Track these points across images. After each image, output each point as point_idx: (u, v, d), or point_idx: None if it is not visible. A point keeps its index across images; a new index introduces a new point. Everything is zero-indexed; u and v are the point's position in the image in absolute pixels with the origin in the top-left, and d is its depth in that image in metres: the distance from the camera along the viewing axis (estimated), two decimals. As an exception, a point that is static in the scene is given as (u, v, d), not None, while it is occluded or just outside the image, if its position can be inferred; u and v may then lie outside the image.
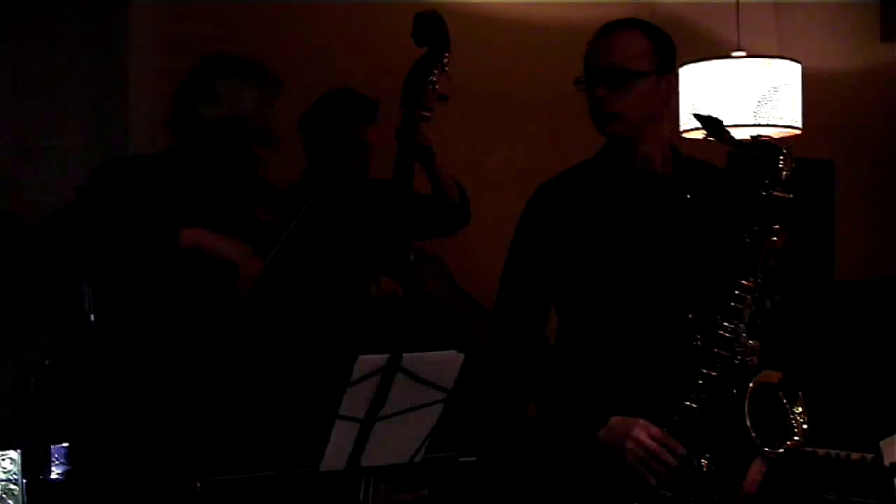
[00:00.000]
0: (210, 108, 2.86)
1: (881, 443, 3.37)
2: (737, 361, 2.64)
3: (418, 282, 3.71)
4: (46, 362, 3.75)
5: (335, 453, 2.68)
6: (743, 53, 4.49)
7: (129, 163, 3.01)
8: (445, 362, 2.75)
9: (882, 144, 5.88)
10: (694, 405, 2.64)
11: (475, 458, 3.34)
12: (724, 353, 2.64)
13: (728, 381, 2.64)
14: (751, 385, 2.61)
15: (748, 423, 2.60)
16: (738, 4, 4.73)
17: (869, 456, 3.41)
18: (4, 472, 2.42)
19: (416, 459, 2.83)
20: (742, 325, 2.65)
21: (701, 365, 2.64)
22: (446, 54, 3.31)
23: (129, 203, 2.85)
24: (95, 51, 4.07)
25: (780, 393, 2.64)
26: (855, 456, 3.44)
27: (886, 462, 3.35)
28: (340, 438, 2.67)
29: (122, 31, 4.04)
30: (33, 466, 3.38)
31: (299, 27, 4.39)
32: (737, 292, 2.65)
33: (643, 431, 2.63)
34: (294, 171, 3.81)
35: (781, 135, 4.55)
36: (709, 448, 2.64)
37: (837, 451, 3.43)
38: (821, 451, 3.44)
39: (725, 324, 2.64)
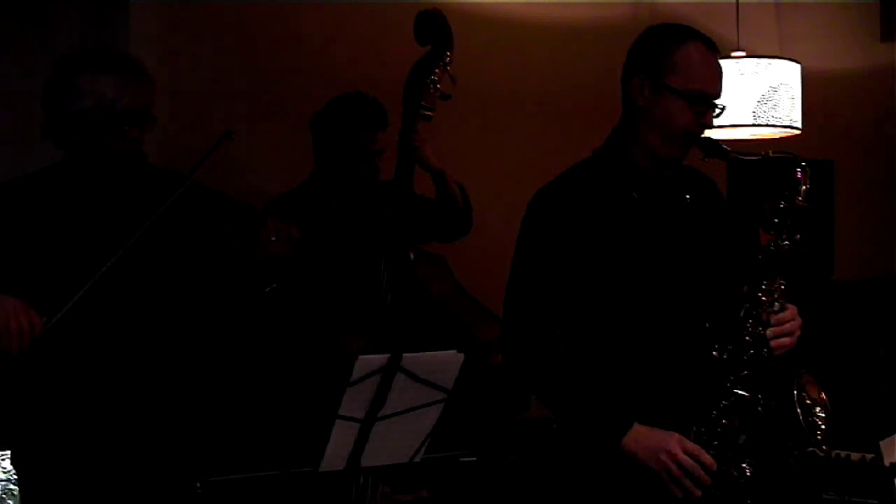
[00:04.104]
0: (74, 102, 2.94)
1: (881, 443, 3.37)
2: (764, 366, 2.65)
3: (419, 282, 3.70)
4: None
5: (335, 453, 2.68)
6: (743, 53, 4.49)
7: (9, 187, 3.02)
8: (445, 362, 2.75)
9: (882, 144, 5.87)
10: (722, 415, 2.63)
11: (475, 458, 3.35)
12: (751, 357, 2.64)
13: (757, 385, 2.64)
14: (796, 385, 2.64)
15: (801, 421, 2.62)
16: (737, 4, 4.73)
17: (869, 456, 3.41)
18: (4, 473, 2.41)
19: (416, 460, 2.83)
20: (766, 329, 2.65)
21: (726, 373, 2.64)
22: (449, 53, 3.30)
23: None
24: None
25: (805, 393, 2.67)
26: (855, 456, 3.43)
27: (886, 462, 3.35)
28: (340, 438, 2.67)
29: (122, 31, 4.03)
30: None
31: (300, 27, 4.39)
32: (761, 296, 2.65)
33: (678, 446, 2.59)
34: (300, 172, 3.82)
35: (781, 135, 4.56)
36: (740, 455, 2.63)
37: (837, 451, 3.43)
38: (820, 451, 3.44)
39: (750, 329, 2.64)
